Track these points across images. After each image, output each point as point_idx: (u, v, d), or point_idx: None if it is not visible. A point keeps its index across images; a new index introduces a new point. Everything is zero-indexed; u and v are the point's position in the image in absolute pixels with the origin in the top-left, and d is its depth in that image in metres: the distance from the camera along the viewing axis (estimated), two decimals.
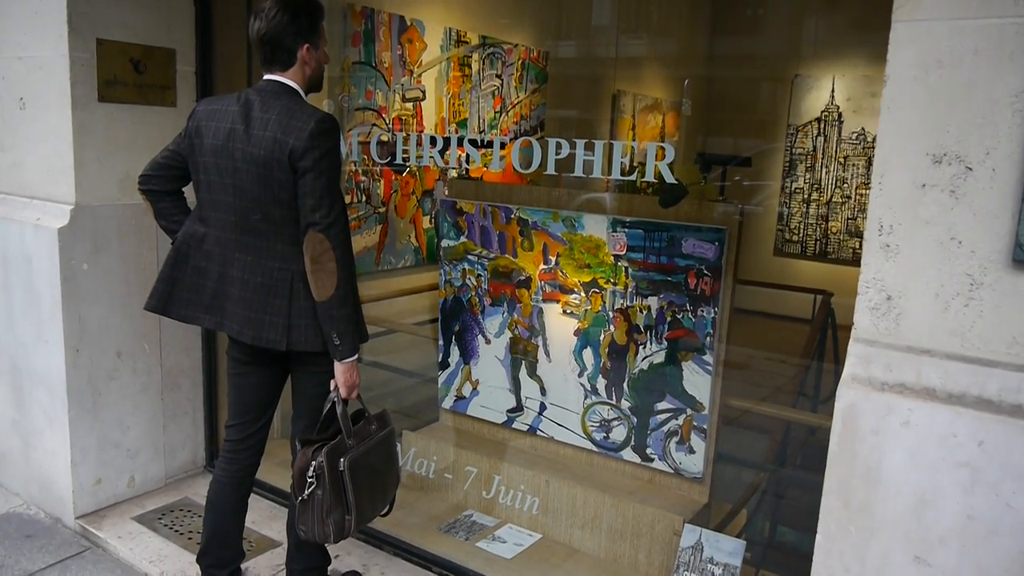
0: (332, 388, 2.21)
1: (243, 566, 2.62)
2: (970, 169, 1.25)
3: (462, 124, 5.12)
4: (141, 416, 3.19)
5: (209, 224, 2.23)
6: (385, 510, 2.39)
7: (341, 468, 2.12)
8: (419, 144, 3.09)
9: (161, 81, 3.02)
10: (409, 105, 4.76)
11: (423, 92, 4.82)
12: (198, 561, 2.46)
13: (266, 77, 2.18)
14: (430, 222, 4.94)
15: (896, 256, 1.32)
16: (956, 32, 1.22)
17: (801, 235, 5.94)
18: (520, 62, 5.49)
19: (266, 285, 2.16)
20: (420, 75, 4.81)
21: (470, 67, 5.13)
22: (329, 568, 2.58)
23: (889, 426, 1.30)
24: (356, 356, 2.19)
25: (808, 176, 5.96)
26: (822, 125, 5.87)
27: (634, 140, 5.67)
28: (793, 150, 5.97)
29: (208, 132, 2.17)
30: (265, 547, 2.90)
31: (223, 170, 2.14)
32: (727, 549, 2.53)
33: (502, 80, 5.39)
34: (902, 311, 1.33)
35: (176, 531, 3.02)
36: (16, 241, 3.02)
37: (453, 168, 4.22)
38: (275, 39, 2.11)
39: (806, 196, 5.95)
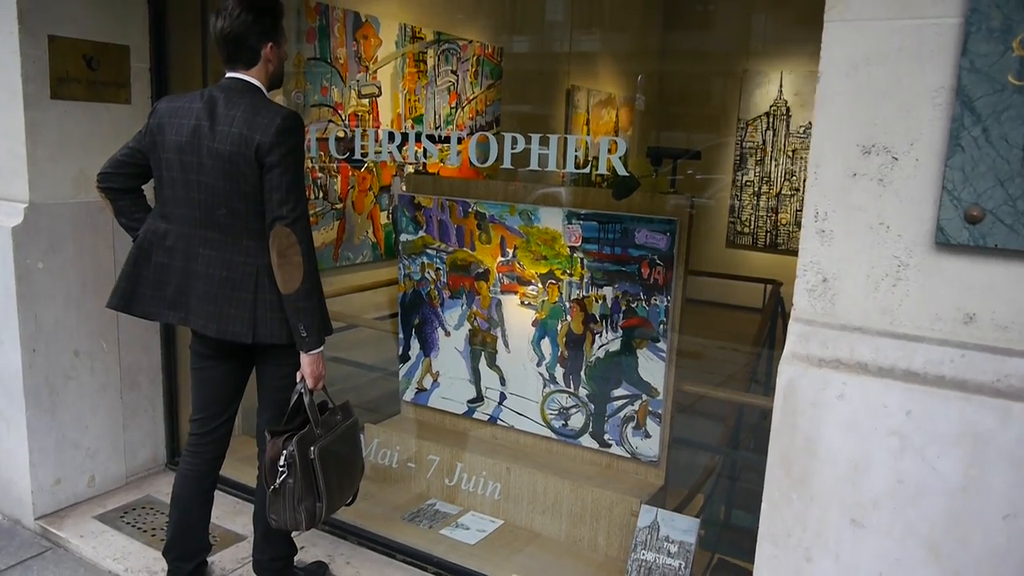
0: (299, 379, 2.25)
1: (209, 559, 2.64)
2: (896, 159, 1.35)
3: (418, 120, 5.15)
4: (100, 415, 3.18)
5: (171, 220, 2.25)
6: (349, 499, 2.43)
7: (312, 456, 2.17)
8: (377, 140, 3.13)
9: (115, 78, 3.01)
10: (365, 101, 4.78)
11: (379, 88, 4.84)
12: (164, 555, 2.48)
13: (229, 75, 2.21)
14: (387, 218, 4.97)
15: (831, 241, 1.42)
16: (882, 32, 1.32)
17: (752, 227, 6.10)
18: (475, 58, 5.53)
19: (231, 279, 2.19)
20: (375, 71, 4.83)
21: (425, 63, 5.16)
22: (295, 558, 2.61)
23: (826, 399, 1.40)
24: (322, 348, 2.23)
25: (758, 169, 6.13)
26: (771, 119, 6.03)
27: (588, 135, 5.76)
28: (744, 144, 6.13)
29: (171, 129, 2.18)
30: (230, 541, 2.92)
31: (187, 166, 2.16)
32: (682, 527, 2.64)
33: (457, 76, 5.43)
34: (837, 292, 1.43)
35: (139, 528, 3.02)
36: None
37: (410, 164, 4.26)
38: (239, 38, 2.13)
39: (756, 189, 6.11)
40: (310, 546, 2.88)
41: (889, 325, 1.38)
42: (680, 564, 2.58)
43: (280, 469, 2.16)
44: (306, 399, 2.23)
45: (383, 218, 4.97)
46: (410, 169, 5.09)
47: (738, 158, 6.12)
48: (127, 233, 2.39)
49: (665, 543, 2.64)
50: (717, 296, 4.74)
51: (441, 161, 3.26)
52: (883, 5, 1.30)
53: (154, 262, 2.29)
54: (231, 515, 3.07)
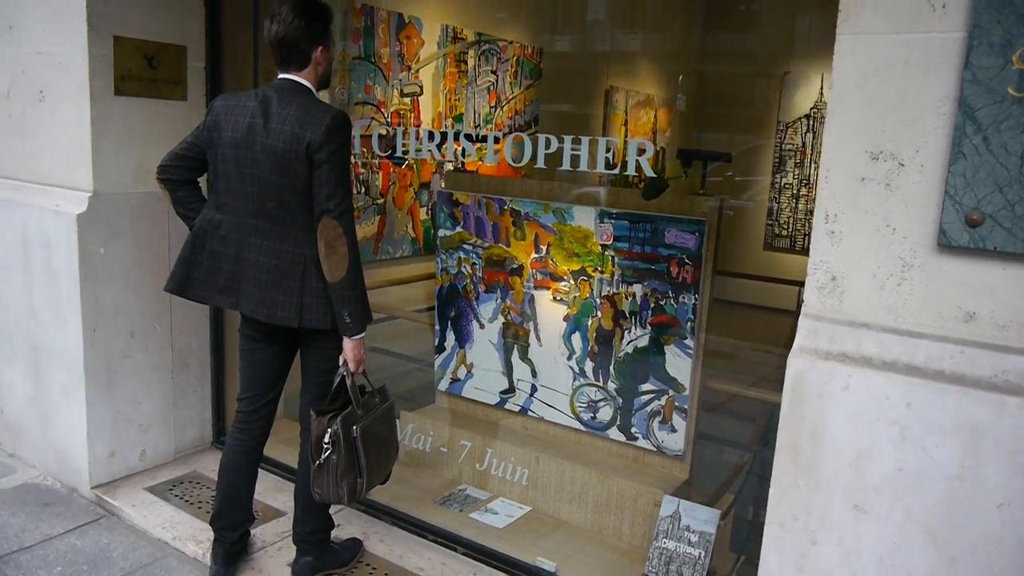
0: (341, 363, 2.40)
1: (251, 531, 2.80)
2: (902, 165, 1.43)
3: (458, 119, 5.28)
4: (153, 393, 3.37)
5: (225, 211, 2.41)
6: (384, 479, 2.57)
7: (354, 435, 2.31)
8: (418, 138, 3.26)
9: (173, 76, 3.19)
10: (407, 100, 4.93)
11: (420, 87, 4.98)
12: (211, 523, 2.64)
13: (281, 76, 2.35)
14: (426, 213, 5.11)
15: (840, 242, 1.50)
16: (890, 45, 1.40)
17: (790, 229, 6.11)
18: (515, 58, 5.65)
19: (280, 267, 2.34)
20: (417, 71, 4.97)
21: (466, 63, 5.29)
22: (332, 534, 2.76)
23: (832, 390, 1.49)
24: (364, 333, 2.37)
25: (797, 172, 6.12)
26: (811, 122, 6.01)
27: (626, 136, 5.83)
28: (783, 146, 6.13)
29: (227, 125, 2.34)
30: (271, 516, 3.08)
31: (242, 160, 2.31)
32: (703, 518, 2.72)
33: (497, 76, 5.55)
34: (845, 290, 1.51)
35: (186, 501, 3.20)
36: (36, 226, 3.18)
37: (450, 161, 4.39)
38: (292, 42, 2.28)
39: (795, 191, 6.11)
40: (346, 524, 3.02)
41: (893, 322, 1.46)
42: (700, 553, 2.67)
43: (325, 446, 2.30)
44: (348, 381, 2.37)
45: (422, 214, 5.11)
46: (449, 167, 5.23)
47: (777, 160, 6.12)
48: (183, 222, 2.55)
49: (686, 532, 2.72)
50: (754, 298, 4.78)
51: (479, 160, 3.37)
52: (891, 20, 1.38)
53: (208, 250, 2.44)
54: (272, 492, 3.23)
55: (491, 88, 5.50)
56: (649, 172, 2.53)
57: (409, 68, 4.90)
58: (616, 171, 2.72)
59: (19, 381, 3.44)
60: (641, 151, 2.57)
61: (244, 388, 2.60)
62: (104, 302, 3.13)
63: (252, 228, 2.37)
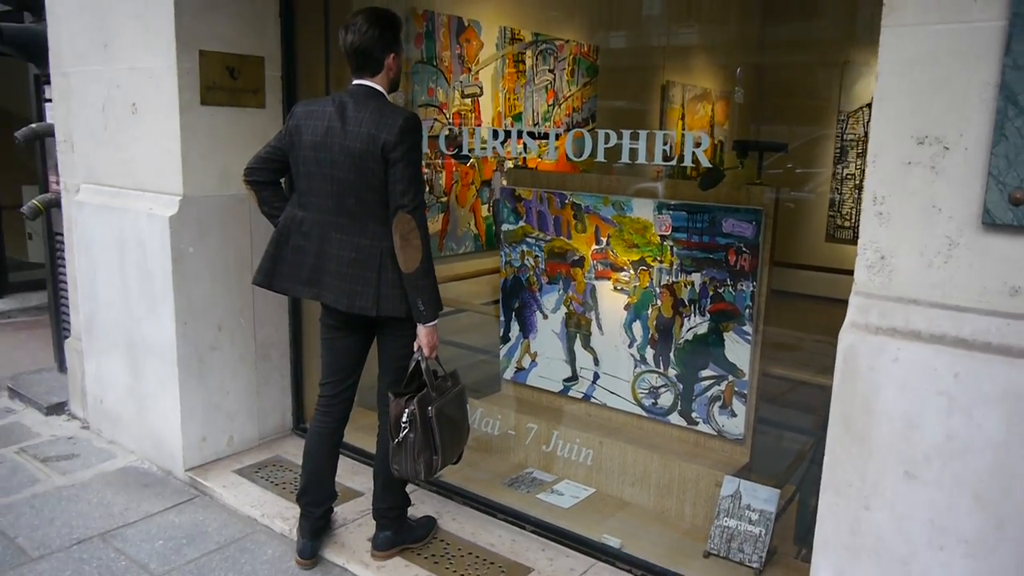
0: (416, 349, 2.57)
1: (334, 508, 2.99)
2: (947, 148, 1.51)
3: (517, 118, 5.42)
4: (238, 383, 3.61)
5: (307, 209, 2.60)
6: (456, 459, 2.73)
7: (430, 415, 2.48)
8: (482, 138, 3.41)
9: (252, 85, 3.41)
10: (468, 101, 5.09)
11: (480, 88, 5.14)
12: (298, 500, 2.84)
13: (356, 82, 2.53)
14: (488, 210, 5.26)
15: (888, 222, 1.58)
16: (934, 35, 1.48)
17: (853, 221, 6.05)
18: (572, 57, 5.76)
19: (359, 260, 2.52)
20: (477, 72, 5.14)
21: (524, 63, 5.43)
22: (408, 512, 2.93)
23: (882, 363, 1.57)
24: (437, 320, 2.53)
25: (859, 162, 6.05)
26: (872, 111, 5.93)
27: (684, 129, 5.87)
28: (844, 136, 6.07)
29: (307, 130, 2.53)
30: (350, 496, 3.27)
31: (322, 161, 2.50)
32: (763, 497, 2.81)
33: (554, 75, 5.67)
34: (893, 268, 1.59)
35: (272, 482, 3.43)
36: (131, 228, 3.44)
37: (511, 159, 4.54)
38: (366, 50, 2.45)
39: (857, 182, 6.05)
40: (420, 504, 3.19)
41: (941, 297, 1.54)
42: (760, 531, 2.76)
43: (403, 425, 2.48)
44: (423, 366, 2.54)
45: (484, 211, 5.27)
46: (509, 164, 5.38)
47: (838, 151, 6.07)
48: (268, 220, 2.75)
49: (747, 511, 2.81)
50: (816, 289, 4.79)
51: (539, 156, 3.51)
52: (935, 11, 1.46)
53: (292, 245, 2.64)
54: (350, 475, 3.43)
55: (549, 86, 5.63)
56: (705, 163, 2.63)
57: (469, 70, 5.06)
58: (673, 163, 2.81)
59: (118, 372, 3.72)
60: (697, 143, 2.66)
61: (325, 374, 2.79)
62: (194, 298, 3.37)
63: (332, 224, 2.56)
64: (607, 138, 2.83)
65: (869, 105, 6.06)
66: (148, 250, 3.36)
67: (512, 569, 2.80)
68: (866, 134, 6.33)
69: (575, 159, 3.01)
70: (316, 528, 2.84)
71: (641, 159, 2.72)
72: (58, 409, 4.30)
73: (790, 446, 3.46)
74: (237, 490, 3.35)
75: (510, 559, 2.86)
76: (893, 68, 1.54)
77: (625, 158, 2.76)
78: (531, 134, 3.31)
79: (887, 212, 1.59)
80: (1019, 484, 1.46)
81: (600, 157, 2.83)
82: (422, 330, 2.54)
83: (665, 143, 2.78)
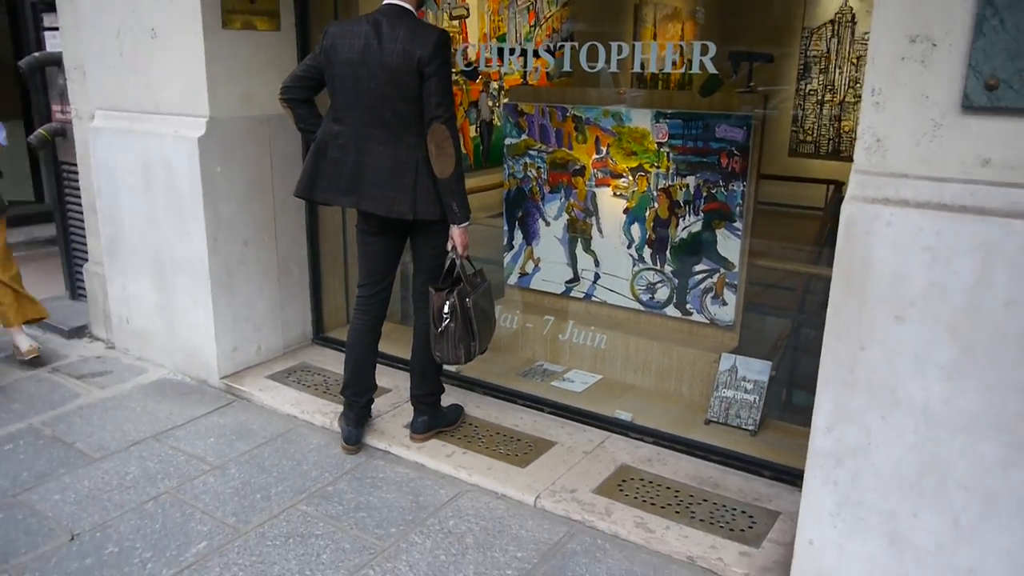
0: (450, 247, 2.84)
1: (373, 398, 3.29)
2: (935, 45, 1.80)
3: (501, 39, 5.57)
4: (264, 296, 3.85)
5: (344, 123, 2.81)
6: (484, 349, 3.04)
7: (468, 305, 2.77)
8: (500, 54, 3.61)
9: (269, 8, 3.55)
10: (455, 22, 5.24)
11: (467, 10, 5.28)
12: (343, 392, 3.14)
13: (387, 2, 2.72)
14: (475, 131, 5.47)
15: (883, 110, 1.88)
16: None
17: (815, 135, 6.35)
18: None
19: (396, 169, 2.76)
20: None
21: None
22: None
23: (877, 227, 1.90)
24: (469, 221, 2.80)
25: (822, 78, 6.30)
26: (836, 27, 6.15)
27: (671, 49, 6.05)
28: (808, 53, 6.30)
29: (343, 48, 2.72)
30: (381, 393, 3.56)
31: (359, 78, 2.70)
32: (756, 369, 3.19)
33: None
34: (887, 148, 1.90)
35: (304, 385, 3.71)
36: (156, 150, 3.60)
37: (495, 79, 4.75)
38: None
39: (820, 98, 6.32)
40: (446, 396, 3.51)
41: (926, 171, 1.85)
42: (755, 398, 3.15)
43: (444, 315, 2.77)
44: (458, 262, 2.82)
45: (472, 131, 5.47)
46: (495, 85, 5.58)
47: (802, 67, 6.32)
48: (303, 136, 2.96)
49: (743, 382, 3.20)
50: (783, 198, 5.13)
51: (547, 72, 3.72)
52: None
53: (330, 157, 2.86)
54: (379, 375, 3.68)
55: (530, 8, 5.77)
56: (712, 69, 2.91)
57: None
58: (683, 70, 3.07)
59: (145, 291, 3.92)
60: (705, 51, 2.93)
61: (363, 276, 3.06)
62: (222, 215, 3.57)
63: (369, 136, 2.78)
64: (620, 49, 3.08)
65: (832, 21, 6.32)
66: (176, 171, 3.53)
67: (537, 444, 3.15)
68: (828, 51, 6.59)
69: (589, 71, 3.25)
70: (360, 417, 3.15)
71: (652, 68, 2.98)
72: (79, 332, 4.50)
73: (773, 327, 3.84)
74: (273, 392, 3.63)
75: (534, 435, 3.22)
76: None
77: (637, 67, 3.01)
78: (549, 50, 3.51)
79: (883, 102, 1.89)
80: (985, 317, 1.82)
81: (614, 67, 3.08)
82: (456, 230, 2.81)
83: (675, 52, 3.04)
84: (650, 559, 2.50)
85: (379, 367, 3.21)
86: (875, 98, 1.90)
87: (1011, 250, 1.77)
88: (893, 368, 1.97)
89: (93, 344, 4.40)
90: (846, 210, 1.95)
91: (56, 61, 4.27)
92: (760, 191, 3.37)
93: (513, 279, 4.10)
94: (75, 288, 4.84)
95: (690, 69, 2.96)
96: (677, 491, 2.81)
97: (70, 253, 4.80)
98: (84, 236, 4.46)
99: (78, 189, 4.41)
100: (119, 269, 4.03)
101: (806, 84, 6.41)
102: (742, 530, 2.59)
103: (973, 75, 1.76)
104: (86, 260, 4.51)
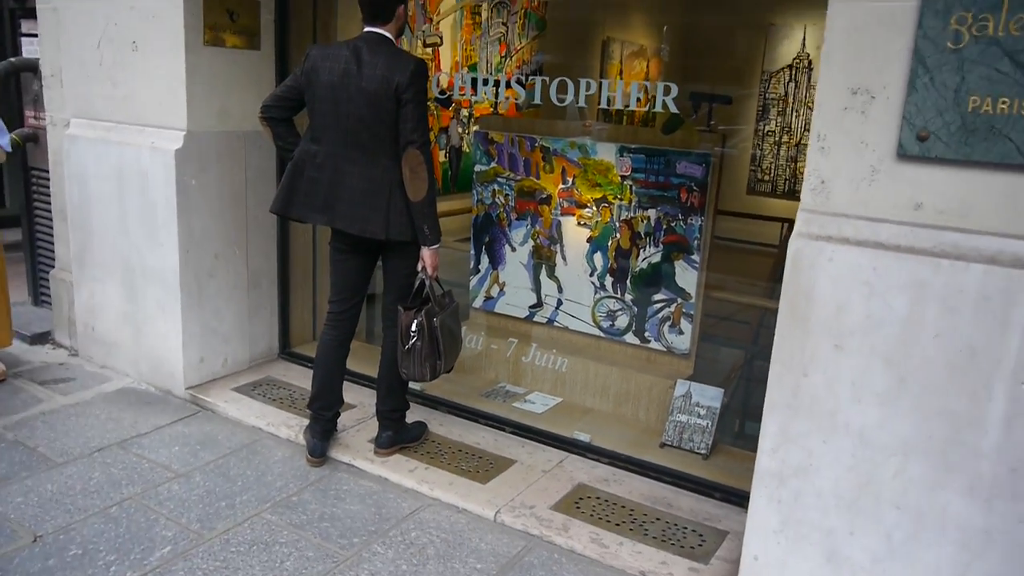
0: (420, 268, 2.94)
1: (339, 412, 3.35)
2: (874, 97, 1.97)
3: (472, 68, 5.74)
4: (232, 308, 3.90)
5: (322, 143, 2.91)
6: (449, 368, 3.13)
7: (435, 325, 2.87)
8: (473, 84, 3.76)
9: (250, 28, 3.65)
10: (429, 50, 5.38)
11: (441, 38, 5.43)
12: (309, 406, 3.21)
13: (368, 30, 2.85)
14: (444, 156, 5.60)
15: (828, 154, 2.05)
16: (868, 11, 1.93)
17: (772, 175, 6.61)
18: (523, 11, 6.09)
19: (370, 190, 2.86)
20: (439, 23, 5.42)
21: (480, 15, 5.74)
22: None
23: (820, 262, 2.05)
24: (439, 244, 2.91)
25: (779, 120, 6.58)
26: (793, 72, 6.45)
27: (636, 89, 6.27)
28: (766, 95, 6.58)
29: (324, 71, 2.84)
30: (347, 408, 3.62)
31: (338, 100, 2.81)
32: (709, 395, 3.34)
33: (507, 27, 6.00)
34: (831, 190, 2.07)
35: (269, 398, 3.76)
36: (132, 161, 3.66)
37: (464, 107, 4.90)
38: (380, 1, 2.77)
39: (777, 139, 6.59)
40: (411, 413, 3.59)
41: (865, 211, 2.02)
42: (707, 423, 3.29)
43: (412, 334, 2.87)
44: (427, 283, 2.93)
45: (441, 156, 5.61)
46: (465, 112, 5.72)
47: (760, 108, 6.59)
48: (281, 154, 3.05)
49: (696, 408, 3.34)
50: (740, 234, 5.33)
51: (516, 102, 3.86)
52: None
53: (307, 176, 2.96)
54: (345, 392, 3.76)
55: (502, 39, 5.96)
56: (673, 109, 3.08)
57: (431, 20, 5.35)
58: (646, 108, 3.24)
59: (113, 299, 3.95)
60: (668, 91, 3.10)
61: (334, 293, 3.14)
62: (194, 228, 3.63)
63: (345, 157, 2.89)
64: (588, 86, 3.24)
65: (790, 66, 6.61)
66: (151, 182, 3.59)
67: (498, 461, 3.25)
68: (786, 93, 6.88)
69: (558, 104, 3.41)
70: (326, 430, 3.22)
71: (618, 104, 3.14)
72: (42, 339, 4.49)
73: (727, 358, 4.01)
74: (238, 404, 3.68)
75: (495, 453, 3.31)
76: (836, 34, 1.99)
77: (604, 104, 3.17)
78: (520, 82, 3.67)
79: (827, 147, 2.06)
80: (917, 348, 1.98)
81: (581, 102, 3.24)
82: (426, 252, 2.92)
83: (639, 91, 3.21)
84: (604, 573, 2.60)
85: (345, 384, 3.28)
86: (820, 143, 2.07)
87: (939, 287, 1.93)
88: (833, 394, 2.12)
89: (56, 351, 4.39)
90: (793, 245, 2.11)
91: (32, 67, 4.30)
92: (718, 227, 3.55)
93: (479, 302, 4.21)
94: (39, 294, 4.83)
95: (653, 107, 3.13)
96: (631, 510, 2.93)
97: (35, 259, 4.79)
98: (51, 242, 4.47)
99: (47, 195, 4.42)
100: (88, 276, 4.05)
101: (764, 125, 6.66)
102: (692, 547, 2.71)
103: (907, 126, 1.94)
104: (52, 266, 4.51)
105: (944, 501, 2.04)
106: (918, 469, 2.05)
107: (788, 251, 2.11)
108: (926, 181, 1.96)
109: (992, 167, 1.88)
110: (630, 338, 3.77)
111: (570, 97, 3.31)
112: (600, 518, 2.85)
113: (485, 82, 3.74)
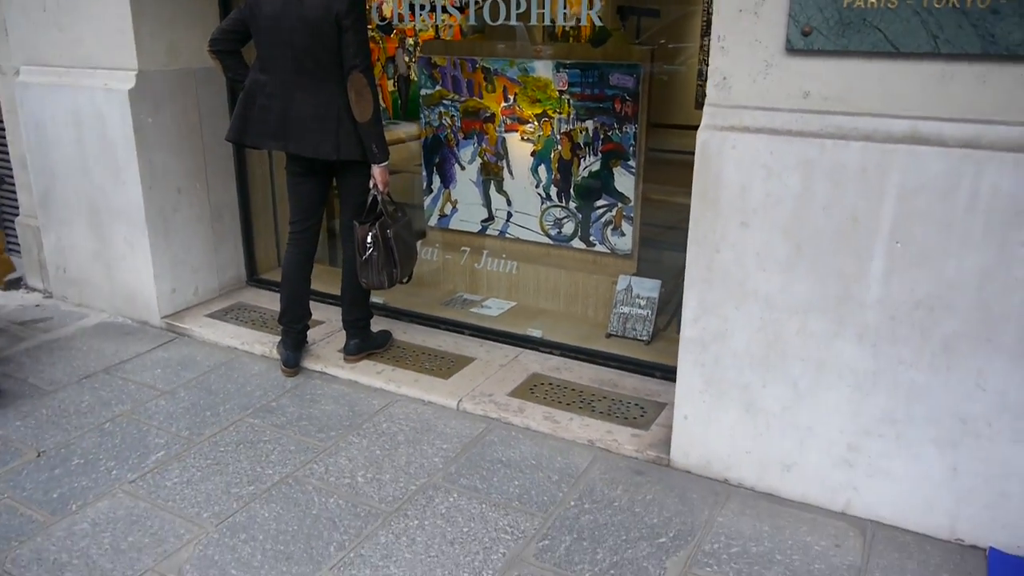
0: (372, 185, 3.17)
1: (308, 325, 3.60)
2: (764, 1, 2.23)
3: None
4: (199, 240, 4.09)
5: (270, 72, 3.08)
6: (407, 278, 3.39)
7: (389, 236, 3.12)
8: (411, 9, 3.92)
9: None
10: None
11: None
12: (280, 320, 3.45)
13: None
14: (393, 85, 5.73)
15: (727, 54, 2.30)
16: None
17: None
18: None
19: (319, 115, 3.05)
20: None
21: None
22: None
23: (725, 150, 2.33)
24: (388, 161, 3.13)
25: None
26: None
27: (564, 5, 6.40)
28: (709, 11, 6.70)
29: (265, 3, 2.99)
30: (315, 324, 3.88)
31: (282, 30, 2.98)
32: (648, 287, 3.65)
33: None
34: (731, 85, 2.33)
35: (241, 321, 4.00)
36: (87, 103, 3.78)
37: (410, 35, 5.03)
38: None
39: None
40: (375, 324, 3.86)
41: (761, 103, 2.29)
42: (648, 312, 3.61)
43: (368, 245, 3.11)
44: (380, 198, 3.16)
45: (390, 86, 5.73)
46: (411, 41, 5.82)
47: (705, 24, 6.76)
48: (232, 85, 3.22)
49: (636, 299, 3.65)
50: (687, 147, 5.57)
51: (461, 26, 4.02)
52: None
53: (258, 104, 3.13)
54: (313, 310, 4.01)
55: None
56: (597, 22, 3.29)
57: None
58: (573, 22, 3.45)
59: (81, 239, 4.11)
60: (591, 5, 3.31)
61: (294, 214, 3.36)
62: (155, 164, 3.79)
63: (293, 84, 3.06)
64: (519, 4, 3.42)
65: None
66: (108, 122, 3.72)
67: (458, 360, 3.55)
68: None
69: (491, 24, 3.59)
70: (297, 342, 3.48)
71: (547, 21, 3.34)
72: (15, 284, 4.64)
73: (665, 257, 4.31)
74: (213, 328, 3.91)
75: (456, 353, 3.61)
76: None
77: (533, 21, 3.37)
78: (456, 6, 3.82)
79: (727, 47, 2.31)
80: (808, 218, 2.28)
81: (513, 21, 3.43)
82: (376, 169, 3.14)
83: (566, 7, 3.40)
84: (557, 444, 2.94)
85: (312, 303, 3.53)
86: (721, 43, 2.33)
87: (825, 164, 2.23)
88: (742, 266, 2.42)
89: (30, 295, 4.55)
90: (701, 136, 2.38)
91: None
92: (662, 140, 3.78)
93: (433, 220, 4.44)
94: (7, 242, 4.94)
95: (579, 23, 3.33)
96: (581, 391, 3.26)
97: (0, 208, 4.90)
98: (14, 191, 4.57)
99: (4, 144, 4.51)
100: (54, 220, 4.19)
101: (708, 41, 6.77)
102: (635, 418, 3.06)
103: (793, 23, 2.20)
104: (17, 215, 4.63)
105: (838, 350, 2.38)
106: (816, 324, 2.38)
107: (697, 142, 2.38)
108: (812, 72, 2.23)
109: (865, 55, 2.16)
110: (576, 243, 4.05)
111: (502, 18, 3.49)
112: (553, 400, 3.18)
113: (423, 7, 3.88)
